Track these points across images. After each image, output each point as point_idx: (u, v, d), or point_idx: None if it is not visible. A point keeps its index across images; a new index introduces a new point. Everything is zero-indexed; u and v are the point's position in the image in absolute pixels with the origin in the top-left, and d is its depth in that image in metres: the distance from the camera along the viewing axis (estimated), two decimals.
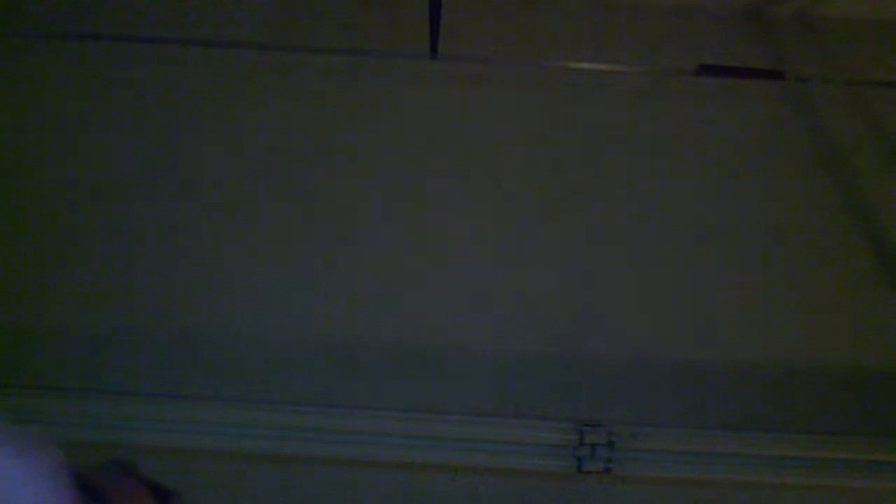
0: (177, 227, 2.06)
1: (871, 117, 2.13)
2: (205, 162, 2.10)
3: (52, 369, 1.95)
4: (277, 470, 1.96)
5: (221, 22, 2.15)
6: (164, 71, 2.14)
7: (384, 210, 2.09)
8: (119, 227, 2.05)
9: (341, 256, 2.05)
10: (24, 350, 1.95)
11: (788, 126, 2.15)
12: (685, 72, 2.12)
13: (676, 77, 2.15)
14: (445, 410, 1.94)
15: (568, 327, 2.03)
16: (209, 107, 2.13)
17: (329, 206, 2.08)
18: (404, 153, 2.12)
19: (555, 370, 2.01)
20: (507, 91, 2.16)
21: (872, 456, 1.92)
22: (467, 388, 1.98)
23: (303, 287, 2.03)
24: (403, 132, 2.13)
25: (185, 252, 2.04)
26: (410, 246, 2.07)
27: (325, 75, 2.15)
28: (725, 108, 2.17)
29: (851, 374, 2.01)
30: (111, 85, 2.12)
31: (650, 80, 2.17)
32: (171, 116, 2.11)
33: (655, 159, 2.13)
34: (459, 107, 2.15)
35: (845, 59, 2.15)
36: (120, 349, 1.98)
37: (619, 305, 2.05)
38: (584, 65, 2.14)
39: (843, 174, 2.12)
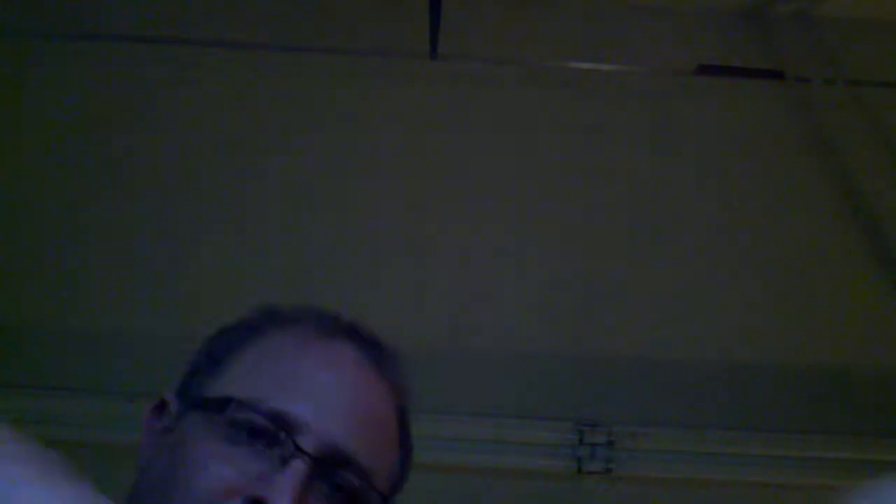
0: (179, 227, 2.06)
1: (871, 117, 2.13)
2: (205, 162, 2.10)
3: (52, 369, 1.95)
4: None
5: (221, 22, 2.16)
6: (164, 71, 2.14)
7: (382, 210, 2.09)
8: (120, 227, 2.06)
9: (339, 256, 2.05)
10: (24, 349, 1.95)
11: (788, 126, 2.15)
12: (685, 72, 2.12)
13: (676, 77, 2.15)
14: (445, 410, 1.94)
15: (568, 327, 2.03)
16: (209, 107, 2.13)
17: (328, 206, 2.09)
18: (403, 153, 2.12)
19: (555, 370, 2.01)
20: (507, 91, 2.16)
21: (872, 456, 1.92)
22: (467, 387, 1.98)
23: (301, 287, 2.03)
24: (403, 132, 2.13)
25: (188, 252, 2.04)
26: (408, 246, 2.07)
27: (324, 75, 2.15)
28: (725, 108, 2.17)
29: (851, 374, 2.01)
30: (111, 85, 2.12)
31: (650, 80, 2.17)
32: (171, 117, 2.11)
33: (655, 159, 2.13)
34: (459, 107, 2.15)
35: (845, 59, 2.15)
36: (121, 349, 1.98)
37: (619, 305, 2.05)
38: (584, 65, 2.14)
39: (843, 174, 2.13)
